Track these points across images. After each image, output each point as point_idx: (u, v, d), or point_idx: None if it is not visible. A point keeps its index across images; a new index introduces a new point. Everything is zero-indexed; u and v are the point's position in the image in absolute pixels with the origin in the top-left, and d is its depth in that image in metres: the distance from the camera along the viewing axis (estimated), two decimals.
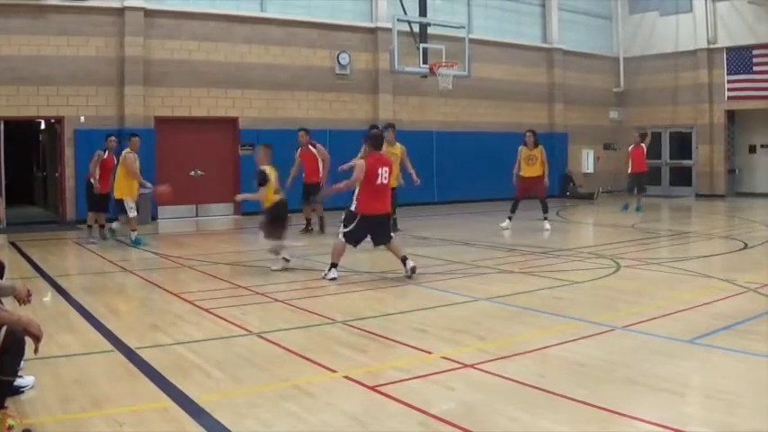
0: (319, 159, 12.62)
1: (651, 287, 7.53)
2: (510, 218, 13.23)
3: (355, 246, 8.26)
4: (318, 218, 12.90)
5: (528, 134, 13.25)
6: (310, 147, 12.70)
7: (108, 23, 15.02)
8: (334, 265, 8.06)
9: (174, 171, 15.14)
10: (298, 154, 12.77)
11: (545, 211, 13.20)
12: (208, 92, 16.24)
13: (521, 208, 13.45)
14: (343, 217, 8.20)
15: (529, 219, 13.71)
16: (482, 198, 19.14)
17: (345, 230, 8.04)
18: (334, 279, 7.96)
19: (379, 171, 7.98)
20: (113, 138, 12.17)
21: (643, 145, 17.22)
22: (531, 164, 13.07)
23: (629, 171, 17.23)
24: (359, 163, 8.11)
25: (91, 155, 12.22)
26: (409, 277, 7.90)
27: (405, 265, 8.00)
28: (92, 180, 11.87)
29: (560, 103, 22.46)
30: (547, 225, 13.05)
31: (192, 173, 16.09)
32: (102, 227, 12.14)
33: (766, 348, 5.04)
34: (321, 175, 12.53)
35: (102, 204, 12.06)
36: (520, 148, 13.25)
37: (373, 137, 8.30)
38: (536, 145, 13.11)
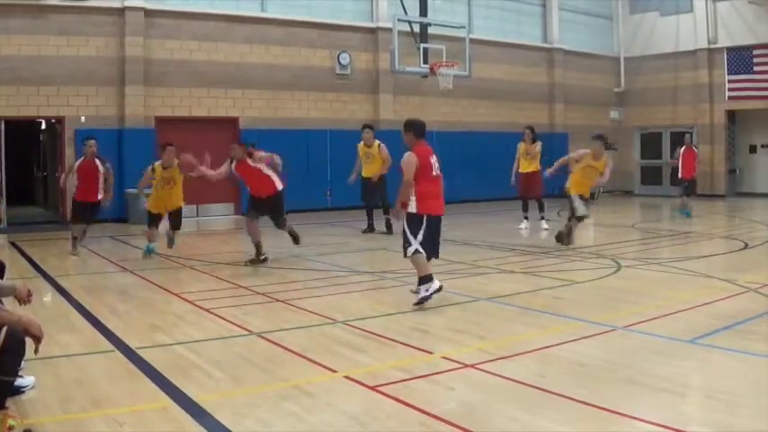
0: (264, 171, 9.49)
1: (651, 287, 7.52)
2: (526, 217, 13.39)
3: (436, 257, 7.01)
4: (287, 232, 9.98)
5: (527, 131, 13.44)
6: (248, 161, 9.42)
7: (108, 23, 15.03)
8: (427, 279, 6.69)
9: None
10: (233, 168, 9.63)
11: (541, 210, 13.33)
12: (208, 92, 16.24)
13: (519, 209, 13.56)
14: (406, 230, 6.79)
15: (529, 219, 13.70)
16: (483, 198, 19.13)
17: (419, 243, 6.69)
18: (439, 290, 6.67)
19: (431, 161, 6.83)
20: (93, 141, 10.63)
21: (694, 148, 16.24)
22: (528, 159, 13.30)
23: (680, 175, 15.96)
24: (407, 157, 6.76)
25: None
26: (415, 294, 6.81)
27: (420, 286, 6.76)
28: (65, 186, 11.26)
29: (560, 103, 22.46)
30: (545, 224, 13.07)
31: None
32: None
33: (766, 348, 5.04)
34: (276, 183, 9.54)
35: (82, 215, 10.45)
36: (518, 144, 13.51)
37: (415, 124, 6.97)
38: (534, 141, 13.30)
